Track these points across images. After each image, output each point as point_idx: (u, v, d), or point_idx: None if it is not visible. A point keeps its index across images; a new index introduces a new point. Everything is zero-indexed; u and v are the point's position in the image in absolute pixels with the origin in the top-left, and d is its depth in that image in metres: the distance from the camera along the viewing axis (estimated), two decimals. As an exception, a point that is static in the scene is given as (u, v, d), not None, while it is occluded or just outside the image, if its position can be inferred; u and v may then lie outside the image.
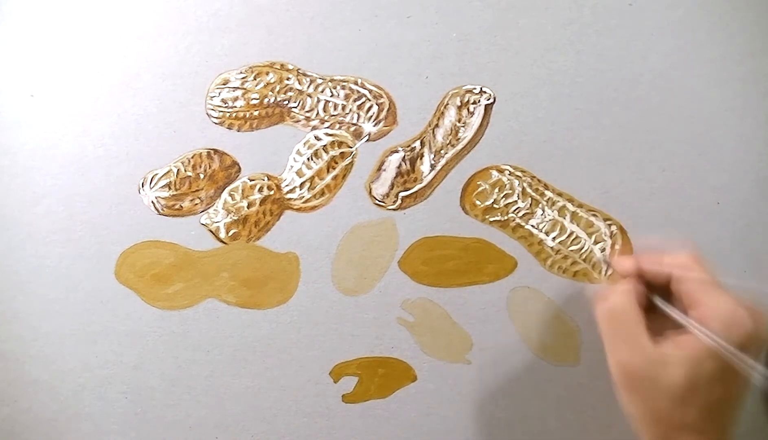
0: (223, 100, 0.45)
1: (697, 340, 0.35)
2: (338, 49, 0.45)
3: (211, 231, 0.46)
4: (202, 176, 0.45)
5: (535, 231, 0.46)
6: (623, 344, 0.37)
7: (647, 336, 0.36)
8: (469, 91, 0.45)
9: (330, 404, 0.47)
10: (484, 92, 0.45)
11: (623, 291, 0.38)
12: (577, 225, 0.46)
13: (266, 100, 0.45)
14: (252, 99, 0.45)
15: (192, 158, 0.45)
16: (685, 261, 0.38)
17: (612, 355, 0.37)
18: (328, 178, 0.46)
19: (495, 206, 0.46)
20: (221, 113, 0.45)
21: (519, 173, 0.46)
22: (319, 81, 0.45)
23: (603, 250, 0.46)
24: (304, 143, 0.46)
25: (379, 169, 0.46)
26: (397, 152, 0.46)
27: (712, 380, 0.35)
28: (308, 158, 0.46)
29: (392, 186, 0.46)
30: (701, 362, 0.35)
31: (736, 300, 0.36)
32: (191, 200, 0.46)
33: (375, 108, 0.46)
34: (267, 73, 0.45)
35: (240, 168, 0.46)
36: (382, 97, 0.45)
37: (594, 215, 0.46)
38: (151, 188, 0.45)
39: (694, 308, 0.36)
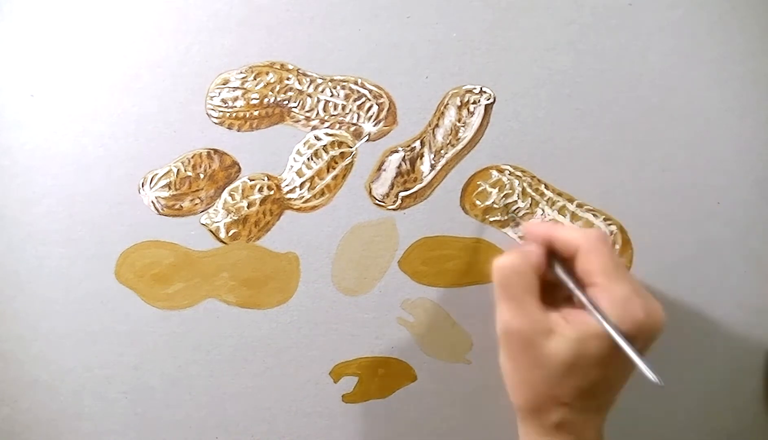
0: (223, 100, 0.45)
1: (587, 319, 0.34)
2: (338, 49, 0.45)
3: (211, 231, 0.46)
4: (202, 176, 0.45)
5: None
6: (512, 304, 0.36)
7: (537, 302, 0.35)
8: (469, 91, 0.45)
9: (330, 404, 0.47)
10: (484, 92, 0.45)
11: (522, 253, 0.37)
12: (577, 225, 0.46)
13: (266, 100, 0.45)
14: (252, 99, 0.45)
15: (192, 158, 0.45)
16: (595, 239, 0.37)
17: (499, 314, 0.36)
18: (328, 178, 0.46)
19: (495, 206, 0.46)
20: (221, 113, 0.45)
21: (519, 173, 0.46)
22: (319, 81, 0.45)
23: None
24: (304, 143, 0.46)
25: (379, 169, 0.46)
26: (397, 152, 0.46)
27: (594, 361, 0.34)
28: (308, 158, 0.46)
29: (392, 186, 0.46)
30: (586, 341, 0.34)
31: (635, 289, 0.35)
32: (191, 200, 0.46)
33: (375, 108, 0.46)
34: (267, 73, 0.45)
35: (240, 168, 0.46)
36: (382, 97, 0.45)
37: (594, 215, 0.46)
38: (151, 188, 0.45)
39: (592, 287, 0.35)
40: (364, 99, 0.45)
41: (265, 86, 0.45)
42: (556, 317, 0.35)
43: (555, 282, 0.38)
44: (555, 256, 0.38)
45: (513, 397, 0.37)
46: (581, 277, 0.36)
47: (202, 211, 0.46)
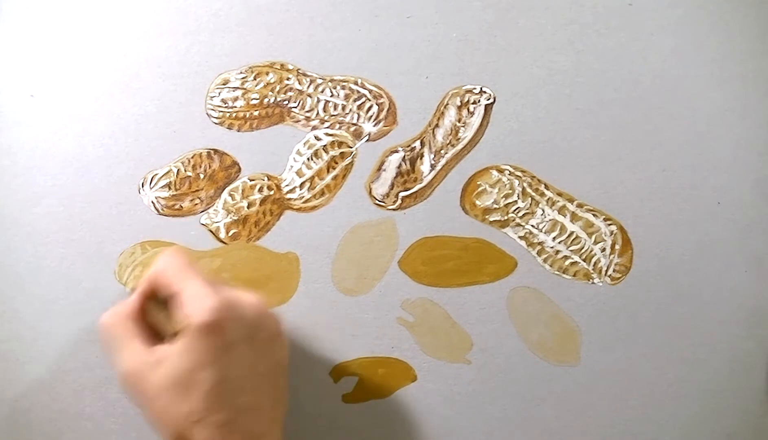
0: (223, 101, 0.45)
1: (185, 332, 0.35)
2: (338, 49, 0.45)
3: (211, 231, 0.46)
4: (202, 176, 0.45)
5: (535, 231, 0.46)
6: (117, 353, 0.37)
7: (141, 344, 0.36)
8: (469, 91, 0.45)
9: (330, 404, 0.47)
10: (484, 92, 0.45)
11: (117, 307, 0.38)
12: (577, 225, 0.46)
13: (266, 100, 0.45)
14: (252, 99, 0.45)
15: (192, 158, 0.45)
16: (164, 258, 0.38)
17: (116, 368, 0.37)
18: (328, 178, 0.46)
19: (495, 206, 0.46)
20: (221, 113, 0.45)
21: (519, 173, 0.46)
22: (319, 81, 0.45)
23: (603, 250, 0.46)
24: (304, 143, 0.46)
25: (379, 169, 0.46)
26: (397, 152, 0.46)
27: (199, 363, 0.34)
28: (308, 158, 0.46)
29: (392, 186, 0.46)
30: (185, 349, 0.34)
31: (204, 284, 0.36)
32: (191, 200, 0.46)
33: (375, 108, 0.46)
34: (267, 74, 0.45)
35: (240, 168, 0.46)
36: (382, 97, 0.45)
37: (594, 215, 0.46)
38: (151, 188, 0.45)
39: (177, 299, 0.36)
40: (364, 99, 0.45)
41: (265, 86, 0.45)
42: (164, 348, 0.36)
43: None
44: (148, 296, 0.39)
45: (161, 436, 0.37)
46: (169, 296, 0.37)
47: (202, 211, 0.46)
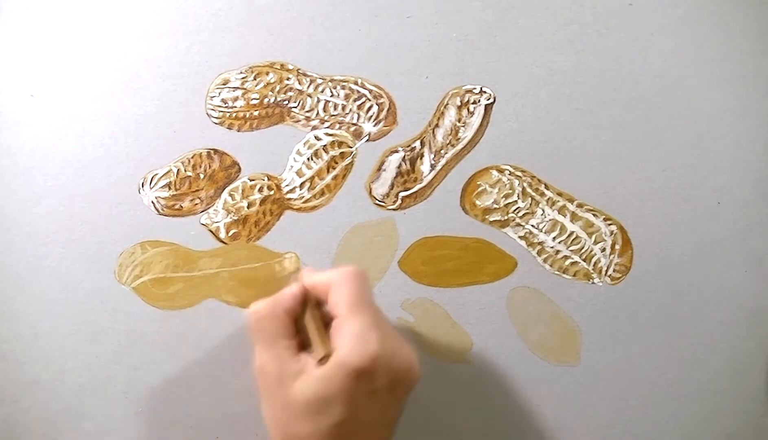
0: (223, 100, 0.45)
1: (334, 357, 0.35)
2: (338, 49, 0.45)
3: (211, 231, 0.46)
4: (202, 176, 0.45)
5: (535, 231, 0.46)
6: (264, 347, 0.37)
7: (289, 345, 0.36)
8: (469, 91, 0.45)
9: (330, 404, 0.47)
10: (484, 92, 0.45)
11: (276, 298, 0.38)
12: (577, 225, 0.46)
13: (266, 100, 0.45)
14: (252, 99, 0.45)
15: (192, 158, 0.45)
16: (346, 274, 0.37)
17: (255, 356, 0.37)
18: (328, 178, 0.46)
19: (495, 206, 0.46)
20: (221, 113, 0.45)
21: (519, 173, 0.46)
22: (319, 81, 0.45)
23: (603, 250, 0.46)
24: (304, 143, 0.46)
25: (379, 169, 0.46)
26: (397, 152, 0.46)
27: (337, 398, 0.34)
28: (308, 158, 0.46)
29: (392, 186, 0.46)
30: (330, 378, 0.34)
31: (374, 322, 0.35)
32: (191, 200, 0.46)
33: (375, 108, 0.46)
34: (267, 73, 0.45)
35: (240, 168, 0.46)
36: (382, 97, 0.45)
37: (594, 215, 0.46)
38: (151, 188, 0.45)
39: (335, 322, 0.36)
40: (364, 99, 0.45)
41: (265, 86, 0.45)
42: (309, 362, 0.36)
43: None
44: (310, 299, 0.38)
45: (270, 436, 0.37)
46: (332, 312, 0.37)
47: (202, 211, 0.46)
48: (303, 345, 0.37)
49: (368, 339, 0.35)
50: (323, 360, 0.35)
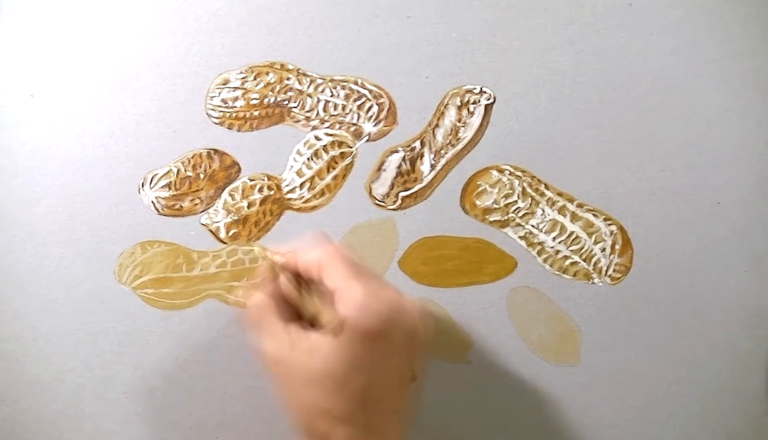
0: (223, 100, 0.45)
1: (345, 329, 0.34)
2: (338, 49, 0.45)
3: (211, 231, 0.46)
4: (202, 176, 0.45)
5: (535, 231, 0.46)
6: (267, 334, 0.36)
7: (294, 326, 0.36)
8: (469, 91, 0.45)
9: (330, 404, 0.47)
10: (484, 92, 0.45)
11: (268, 288, 0.38)
12: (577, 225, 0.46)
13: (266, 100, 0.45)
14: (252, 99, 0.45)
15: (192, 158, 0.45)
16: (331, 251, 0.37)
17: (265, 346, 0.37)
18: (328, 178, 0.46)
19: (495, 206, 0.46)
20: (221, 113, 0.45)
21: (519, 173, 0.46)
22: (319, 81, 0.45)
23: (603, 250, 0.46)
24: (304, 143, 0.46)
25: (379, 169, 0.46)
26: (397, 152, 0.46)
27: (356, 365, 0.34)
28: (308, 158, 0.46)
29: (392, 186, 0.46)
30: (347, 348, 0.34)
31: (377, 285, 0.36)
32: (191, 200, 0.46)
33: (375, 108, 0.46)
34: (267, 73, 0.45)
35: (240, 168, 0.46)
36: (382, 97, 0.45)
37: (594, 215, 0.46)
38: (151, 188, 0.45)
39: (335, 295, 0.36)
40: (364, 99, 0.45)
41: (265, 86, 0.45)
42: (318, 337, 0.35)
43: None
44: (302, 279, 0.38)
45: (296, 425, 0.36)
46: (328, 290, 0.37)
47: (202, 211, 0.46)
48: (305, 326, 0.37)
49: (374, 301, 0.35)
50: (338, 328, 0.34)
